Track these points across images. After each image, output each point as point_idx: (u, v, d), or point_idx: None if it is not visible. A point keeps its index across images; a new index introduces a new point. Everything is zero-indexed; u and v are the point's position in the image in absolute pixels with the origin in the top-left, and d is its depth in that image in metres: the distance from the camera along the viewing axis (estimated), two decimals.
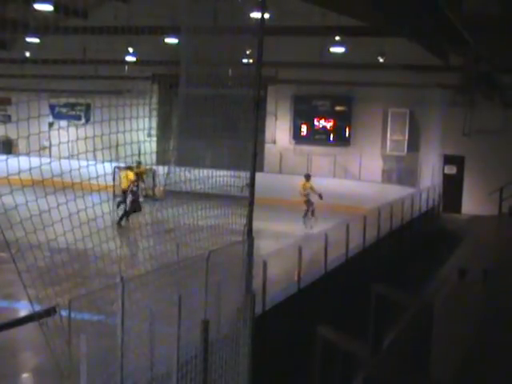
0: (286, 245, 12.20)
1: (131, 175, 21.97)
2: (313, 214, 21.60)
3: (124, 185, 22.69)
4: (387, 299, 6.28)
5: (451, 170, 26.86)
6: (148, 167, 25.75)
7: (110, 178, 25.17)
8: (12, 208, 5.04)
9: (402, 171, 27.03)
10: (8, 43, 25.84)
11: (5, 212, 4.91)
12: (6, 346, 9.13)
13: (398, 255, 16.87)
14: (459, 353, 4.95)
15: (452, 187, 26.27)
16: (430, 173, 25.63)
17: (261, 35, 6.68)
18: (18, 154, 5.99)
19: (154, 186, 25.64)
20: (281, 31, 18.31)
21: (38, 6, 15.70)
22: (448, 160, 26.75)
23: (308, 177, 22.75)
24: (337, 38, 20.85)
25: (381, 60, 22.42)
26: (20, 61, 23.03)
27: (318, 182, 26.97)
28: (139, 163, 24.70)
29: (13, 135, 27.53)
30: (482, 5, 8.37)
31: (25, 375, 9.21)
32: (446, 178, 26.64)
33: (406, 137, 26.81)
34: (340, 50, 21.88)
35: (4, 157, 5.52)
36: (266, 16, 6.97)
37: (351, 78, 25.50)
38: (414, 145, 26.93)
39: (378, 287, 6.31)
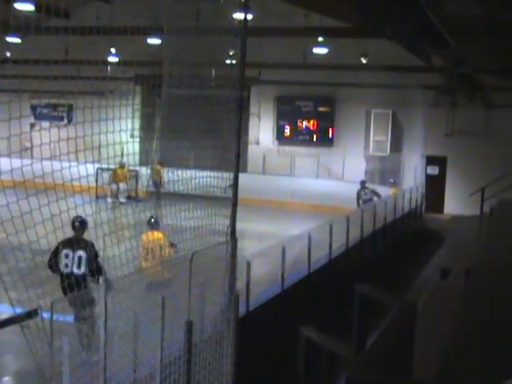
0: (269, 245, 12.20)
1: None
2: None
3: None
4: (371, 299, 6.30)
5: (433, 170, 27.02)
6: (130, 169, 25.80)
7: (92, 180, 25.17)
8: None
9: (385, 172, 27.15)
10: None
11: None
12: None
13: (382, 255, 16.93)
14: (442, 352, 4.97)
15: (434, 188, 26.42)
16: (413, 173, 25.75)
17: (244, 36, 6.68)
18: None
19: (137, 187, 25.58)
20: (264, 32, 18.32)
21: (18, 6, 15.59)
22: (430, 160, 26.90)
23: None
24: (320, 38, 20.88)
25: (363, 61, 22.50)
26: (0, 61, 22.86)
27: (301, 183, 27.08)
28: (123, 165, 24.71)
29: None
30: (463, 6, 8.42)
31: (6, 378, 9.14)
32: (429, 179, 26.79)
33: (389, 137, 26.91)
34: (323, 50, 21.92)
35: None
36: (249, 17, 6.98)
37: (334, 79, 25.56)
38: (396, 145, 27.05)
39: (362, 287, 6.33)
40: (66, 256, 8.97)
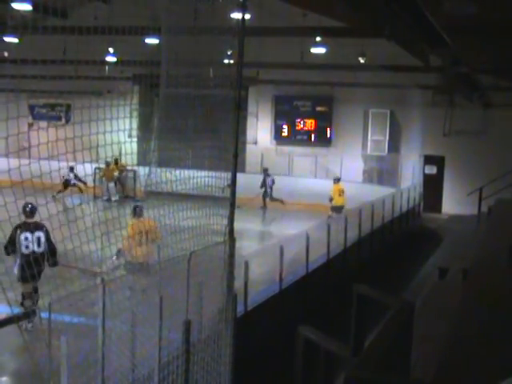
0: (267, 245, 12.21)
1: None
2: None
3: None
4: (369, 299, 6.30)
5: (431, 170, 27.04)
6: (121, 168, 25.94)
7: (90, 179, 25.19)
8: None
9: (383, 171, 27.18)
10: None
11: None
12: None
13: (380, 255, 16.94)
14: (439, 352, 4.98)
15: (432, 187, 26.44)
16: (411, 173, 25.78)
17: (242, 36, 6.68)
18: None
19: (135, 186, 25.58)
20: (262, 32, 18.32)
21: (16, 6, 15.57)
22: (428, 160, 26.92)
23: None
24: (318, 38, 20.90)
25: (361, 61, 22.50)
26: None
27: (299, 183, 27.09)
28: (108, 163, 24.81)
29: None
30: (461, 5, 8.42)
31: (4, 378, 9.14)
32: (427, 178, 26.81)
33: (387, 137, 26.93)
34: (321, 50, 21.93)
35: None
36: (247, 16, 6.98)
37: (332, 79, 25.57)
38: (394, 145, 27.08)
39: (360, 287, 6.33)
40: (26, 238, 10.15)
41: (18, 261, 9.90)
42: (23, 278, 9.42)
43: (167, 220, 6.62)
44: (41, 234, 10.20)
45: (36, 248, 10.16)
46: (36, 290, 9.76)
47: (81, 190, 23.86)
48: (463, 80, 19.76)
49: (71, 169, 23.69)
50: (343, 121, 27.86)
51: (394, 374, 4.77)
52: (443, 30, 10.34)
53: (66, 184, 24.36)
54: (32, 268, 9.08)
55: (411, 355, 5.33)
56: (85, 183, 23.84)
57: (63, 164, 5.71)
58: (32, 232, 10.17)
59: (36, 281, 9.23)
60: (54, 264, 9.85)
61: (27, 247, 10.15)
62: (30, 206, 9.84)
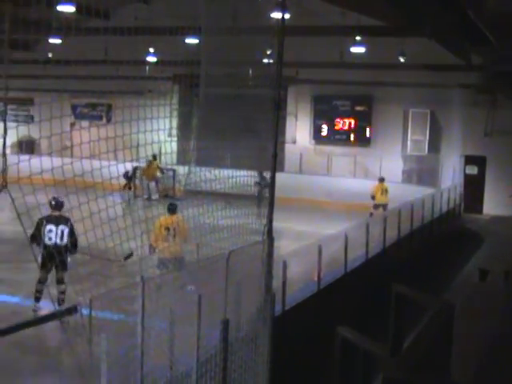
0: (306, 244, 12.19)
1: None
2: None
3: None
4: (408, 299, 6.27)
5: (472, 170, 26.69)
6: (161, 167, 26.16)
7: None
8: (34, 207, 5.09)
9: (423, 171, 26.91)
10: (31, 44, 26.06)
11: (27, 211, 4.97)
12: (29, 343, 9.21)
13: (419, 255, 16.78)
14: (480, 353, 4.92)
15: (473, 188, 26.08)
16: (451, 173, 25.48)
17: (281, 35, 6.68)
18: (40, 154, 6.05)
19: (174, 185, 25.74)
20: (301, 31, 18.30)
21: (60, 8, 15.83)
22: (469, 160, 26.58)
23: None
24: (357, 37, 20.79)
25: (401, 60, 22.33)
26: (43, 61, 23.20)
27: (337, 182, 26.98)
28: (149, 162, 24.98)
29: (35, 135, 27.73)
30: (504, 3, 8.31)
31: (46, 372, 9.28)
32: (467, 179, 26.46)
33: (427, 137, 26.66)
34: (360, 49, 21.81)
35: (27, 157, 5.58)
36: (287, 16, 6.98)
37: (372, 78, 25.41)
38: (434, 145, 26.79)
39: (399, 287, 6.30)
40: (50, 230, 10.70)
41: (41, 250, 10.53)
42: (42, 266, 10.18)
43: (206, 219, 6.66)
44: (64, 228, 10.70)
45: (58, 240, 10.68)
46: (62, 281, 10.27)
47: (129, 188, 24.68)
48: (505, 79, 19.47)
49: (135, 169, 24.56)
50: (383, 120, 27.66)
51: (433, 374, 4.73)
52: (486, 27, 10.22)
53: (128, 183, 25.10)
54: (52, 258, 10.22)
55: (451, 356, 5.29)
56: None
57: (105, 163, 5.78)
58: (56, 225, 10.71)
59: (59, 271, 10.17)
60: (72, 254, 10.59)
61: (50, 239, 10.69)
62: (55, 199, 10.27)
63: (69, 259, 10.48)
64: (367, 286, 12.94)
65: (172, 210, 11.06)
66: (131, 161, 6.43)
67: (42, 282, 10.49)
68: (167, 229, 10.75)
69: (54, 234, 10.72)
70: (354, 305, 11.83)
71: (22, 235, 4.92)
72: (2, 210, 4.91)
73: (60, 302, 10.01)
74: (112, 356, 5.60)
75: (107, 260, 6.99)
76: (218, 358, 6.37)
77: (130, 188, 25.20)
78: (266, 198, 6.67)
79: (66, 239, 10.68)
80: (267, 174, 7.00)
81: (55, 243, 10.65)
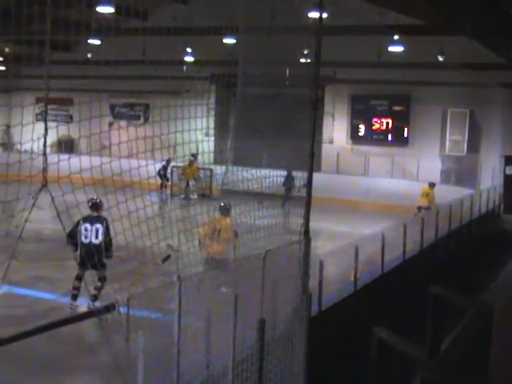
0: (342, 244, 12.15)
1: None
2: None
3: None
4: (445, 300, 6.20)
5: None
6: (199, 167, 26.13)
7: (167, 178, 25.64)
8: (73, 206, 5.16)
9: (461, 172, 26.60)
10: (72, 45, 26.40)
11: (67, 210, 5.04)
12: (68, 340, 9.33)
13: (457, 256, 16.61)
14: None
15: None
16: (490, 174, 25.14)
17: (319, 35, 6.67)
18: (79, 154, 6.12)
19: (211, 185, 25.82)
20: (339, 30, 18.22)
21: (100, 9, 16.02)
22: (509, 161, 26.21)
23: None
24: (395, 36, 20.63)
25: (440, 59, 22.10)
26: (82, 62, 23.48)
27: (375, 182, 26.82)
28: (191, 162, 24.92)
29: (75, 135, 28.11)
30: None
31: (84, 369, 9.39)
32: (507, 179, 26.09)
33: (466, 137, 26.35)
34: (398, 49, 21.64)
35: (66, 156, 5.65)
36: (324, 15, 6.96)
37: (410, 78, 25.20)
38: (473, 145, 26.47)
39: (436, 288, 6.23)
40: (86, 229, 11.00)
41: (79, 249, 10.84)
42: (79, 264, 10.47)
43: (243, 218, 6.68)
44: (99, 227, 10.99)
45: (93, 239, 10.97)
46: (100, 279, 10.51)
47: (161, 187, 24.51)
48: None
49: (168, 162, 24.13)
50: (421, 120, 27.41)
51: (471, 377, 4.68)
52: None
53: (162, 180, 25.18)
54: (89, 257, 10.46)
55: (490, 359, 5.21)
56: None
57: (142, 163, 5.83)
58: (91, 224, 11.01)
59: (98, 270, 10.36)
60: (108, 257, 10.79)
61: (86, 237, 11.00)
62: (93, 200, 10.53)
63: (104, 259, 10.70)
64: (404, 286, 12.85)
65: (225, 211, 10.99)
66: (167, 160, 6.47)
67: (78, 278, 10.77)
68: (214, 230, 10.78)
69: (90, 233, 11.01)
70: (390, 306, 11.75)
71: (62, 233, 4.98)
72: (42, 209, 4.99)
73: (91, 297, 10.16)
74: (149, 354, 5.64)
75: (144, 263, 7.04)
76: (255, 357, 6.38)
77: (161, 187, 24.96)
78: (291, 198, 6.66)
79: (100, 238, 10.95)
80: (296, 174, 6.99)
81: (90, 241, 10.92)
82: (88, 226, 11.01)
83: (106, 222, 10.80)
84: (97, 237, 10.99)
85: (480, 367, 5.08)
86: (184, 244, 6.12)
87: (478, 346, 5.10)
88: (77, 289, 10.73)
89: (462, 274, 14.45)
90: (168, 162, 23.92)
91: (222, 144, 26.52)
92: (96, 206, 10.90)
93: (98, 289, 10.48)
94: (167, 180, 26.12)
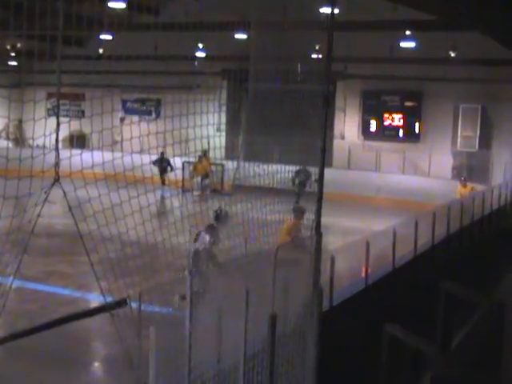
0: (354, 240, 12.13)
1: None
2: None
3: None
4: (457, 297, 6.19)
5: None
6: (211, 163, 25.96)
7: (179, 173, 25.60)
8: (85, 201, 5.18)
9: (473, 168, 26.49)
10: (84, 40, 26.47)
11: (79, 205, 5.06)
12: (80, 335, 9.38)
13: (469, 253, 16.55)
14: None
15: None
16: (503, 170, 25.03)
17: (331, 30, 6.65)
18: (91, 149, 6.14)
19: (223, 180, 25.82)
20: (350, 26, 18.19)
21: (112, 4, 16.06)
22: None
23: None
24: (407, 32, 20.57)
25: (452, 54, 22.01)
26: (94, 57, 23.53)
27: (386, 178, 26.75)
28: (201, 158, 24.71)
29: (86, 130, 28.20)
30: None
31: (96, 363, 9.45)
32: None
33: (478, 133, 26.23)
34: (410, 44, 21.59)
35: (78, 151, 5.67)
36: (336, 11, 6.94)
37: (422, 73, 25.13)
38: (485, 141, 26.35)
39: (448, 285, 6.22)
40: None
41: None
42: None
43: (254, 213, 6.68)
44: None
45: None
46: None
47: (163, 183, 23.63)
48: None
49: (160, 160, 22.91)
50: (432, 116, 27.31)
51: (483, 374, 4.67)
52: None
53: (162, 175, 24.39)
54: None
55: (502, 356, 5.21)
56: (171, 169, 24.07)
57: (154, 158, 5.84)
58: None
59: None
60: None
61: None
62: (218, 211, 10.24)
63: None
64: (415, 283, 12.82)
65: (299, 214, 10.42)
66: (180, 155, 6.49)
67: None
68: (290, 236, 10.36)
69: None
70: (401, 302, 11.73)
71: (73, 228, 5.00)
72: (54, 204, 5.01)
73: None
74: (161, 349, 5.66)
75: (155, 258, 7.06)
76: (266, 352, 6.39)
77: (163, 182, 23.40)
78: (304, 194, 6.65)
79: None
80: (310, 170, 6.97)
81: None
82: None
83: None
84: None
85: (491, 364, 5.07)
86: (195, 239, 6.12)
87: (490, 342, 5.09)
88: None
89: (474, 270, 14.41)
90: (162, 154, 22.71)
91: (234, 139, 26.54)
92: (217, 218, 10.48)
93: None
94: (162, 173, 24.95)
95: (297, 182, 20.14)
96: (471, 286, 6.51)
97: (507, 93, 24.90)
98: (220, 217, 10.32)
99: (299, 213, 10.36)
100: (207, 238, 10.04)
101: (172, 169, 23.85)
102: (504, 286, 14.36)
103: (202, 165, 25.85)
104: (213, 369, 6.38)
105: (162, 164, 23.85)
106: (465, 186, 21.52)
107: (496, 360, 5.17)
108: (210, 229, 10.17)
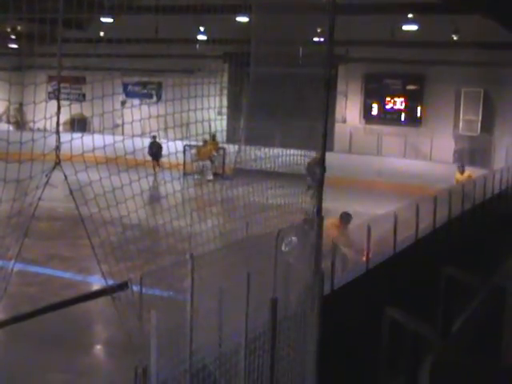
0: (354, 224, 12.14)
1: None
2: None
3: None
4: (457, 281, 6.19)
5: None
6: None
7: (180, 156, 25.55)
8: (86, 184, 5.17)
9: (475, 152, 26.46)
10: (84, 23, 26.35)
11: (80, 188, 5.05)
12: (81, 318, 9.41)
13: (470, 237, 16.56)
14: None
15: None
16: (504, 154, 24.99)
17: (332, 13, 6.61)
18: (92, 132, 6.12)
19: (224, 164, 25.80)
20: (352, 9, 18.08)
21: None
22: None
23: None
24: (409, 15, 20.47)
25: (454, 38, 21.92)
26: (95, 40, 23.42)
27: (388, 162, 26.72)
28: (205, 142, 24.61)
29: (87, 113, 28.13)
30: None
31: (98, 346, 9.49)
32: None
33: (480, 117, 26.18)
34: (412, 27, 21.49)
35: (79, 134, 5.65)
36: None
37: (423, 57, 25.04)
38: (487, 125, 26.30)
39: (448, 269, 6.23)
40: None
41: None
42: None
43: (256, 197, 6.67)
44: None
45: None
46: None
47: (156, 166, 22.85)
48: None
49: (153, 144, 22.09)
50: (434, 100, 27.24)
51: (483, 358, 4.68)
52: None
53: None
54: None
55: (502, 340, 5.21)
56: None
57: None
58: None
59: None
60: None
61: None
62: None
63: None
64: (416, 267, 12.84)
65: (347, 219, 11.55)
66: (181, 139, 6.47)
67: None
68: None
69: None
70: (402, 286, 11.76)
71: (74, 212, 5.00)
72: (55, 187, 5.00)
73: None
74: (161, 332, 5.68)
75: (156, 241, 7.07)
76: (267, 336, 6.41)
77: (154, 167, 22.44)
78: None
79: None
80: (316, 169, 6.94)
81: None
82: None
83: None
84: None
85: (491, 348, 5.08)
86: (197, 222, 6.13)
87: (490, 326, 5.10)
88: None
89: (475, 254, 14.42)
90: (154, 138, 22.05)
91: (235, 123, 26.47)
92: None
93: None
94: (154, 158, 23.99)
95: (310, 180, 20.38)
96: (472, 270, 6.51)
97: (510, 77, 24.81)
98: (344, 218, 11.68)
99: (347, 218, 11.26)
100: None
101: (161, 155, 22.76)
102: (505, 270, 14.37)
103: (207, 149, 25.80)
104: (214, 352, 6.40)
105: (152, 149, 22.45)
106: (462, 172, 21.52)
107: (496, 343, 5.18)
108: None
